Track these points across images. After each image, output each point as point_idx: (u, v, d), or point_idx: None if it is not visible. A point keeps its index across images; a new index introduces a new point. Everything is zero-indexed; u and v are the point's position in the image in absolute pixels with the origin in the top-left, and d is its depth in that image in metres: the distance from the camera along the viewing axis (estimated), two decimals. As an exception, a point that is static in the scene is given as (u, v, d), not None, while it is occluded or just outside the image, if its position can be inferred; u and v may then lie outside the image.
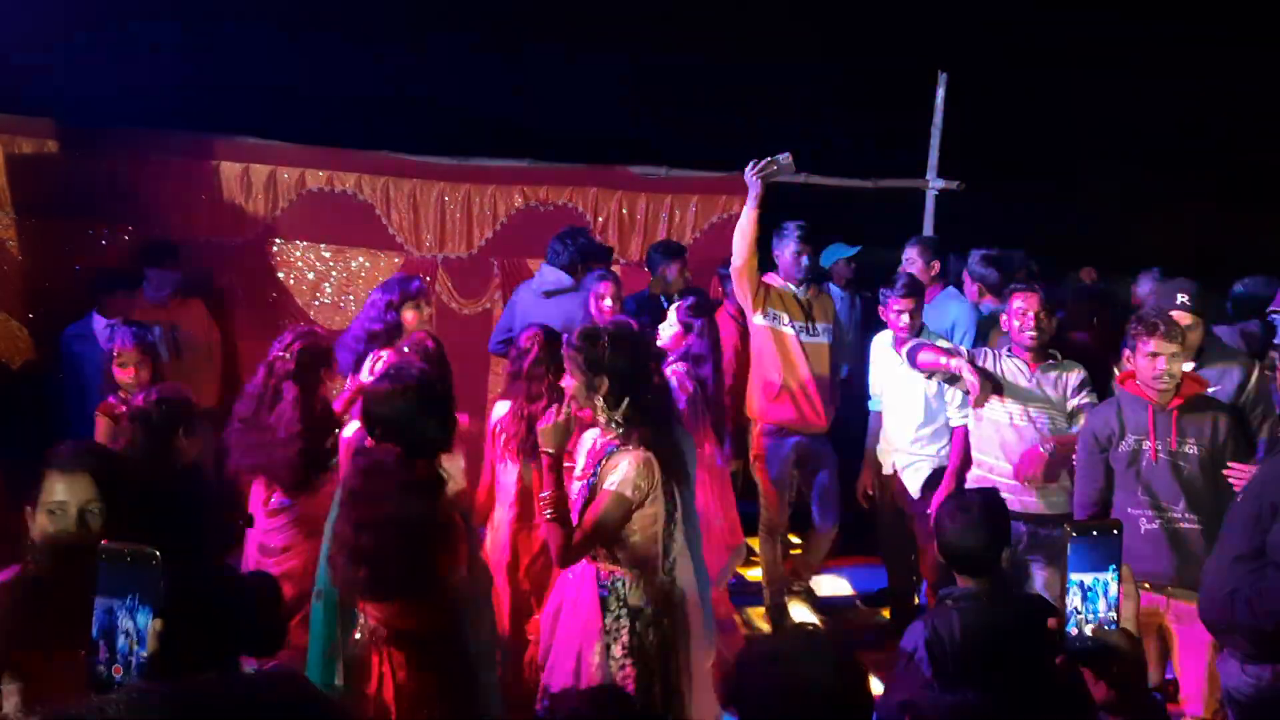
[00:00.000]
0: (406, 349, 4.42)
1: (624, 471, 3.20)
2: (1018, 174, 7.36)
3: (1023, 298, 4.64)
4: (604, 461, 3.27)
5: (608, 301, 5.37)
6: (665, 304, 5.91)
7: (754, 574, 6.05)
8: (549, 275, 5.78)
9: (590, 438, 3.45)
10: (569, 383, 3.34)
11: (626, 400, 3.27)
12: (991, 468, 4.71)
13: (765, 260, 5.59)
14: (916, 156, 7.15)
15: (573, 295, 5.68)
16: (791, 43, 7.76)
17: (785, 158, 5.08)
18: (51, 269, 6.44)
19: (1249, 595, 3.35)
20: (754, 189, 5.17)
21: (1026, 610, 3.09)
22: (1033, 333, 4.61)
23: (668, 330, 4.96)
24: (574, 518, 3.25)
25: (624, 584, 3.25)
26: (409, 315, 4.76)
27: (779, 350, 5.46)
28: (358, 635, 3.06)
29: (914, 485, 5.27)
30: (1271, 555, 3.29)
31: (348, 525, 2.96)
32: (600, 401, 3.28)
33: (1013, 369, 4.68)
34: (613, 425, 3.30)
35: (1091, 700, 2.93)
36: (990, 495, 3.20)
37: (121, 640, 1.68)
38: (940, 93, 7.02)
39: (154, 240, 6.16)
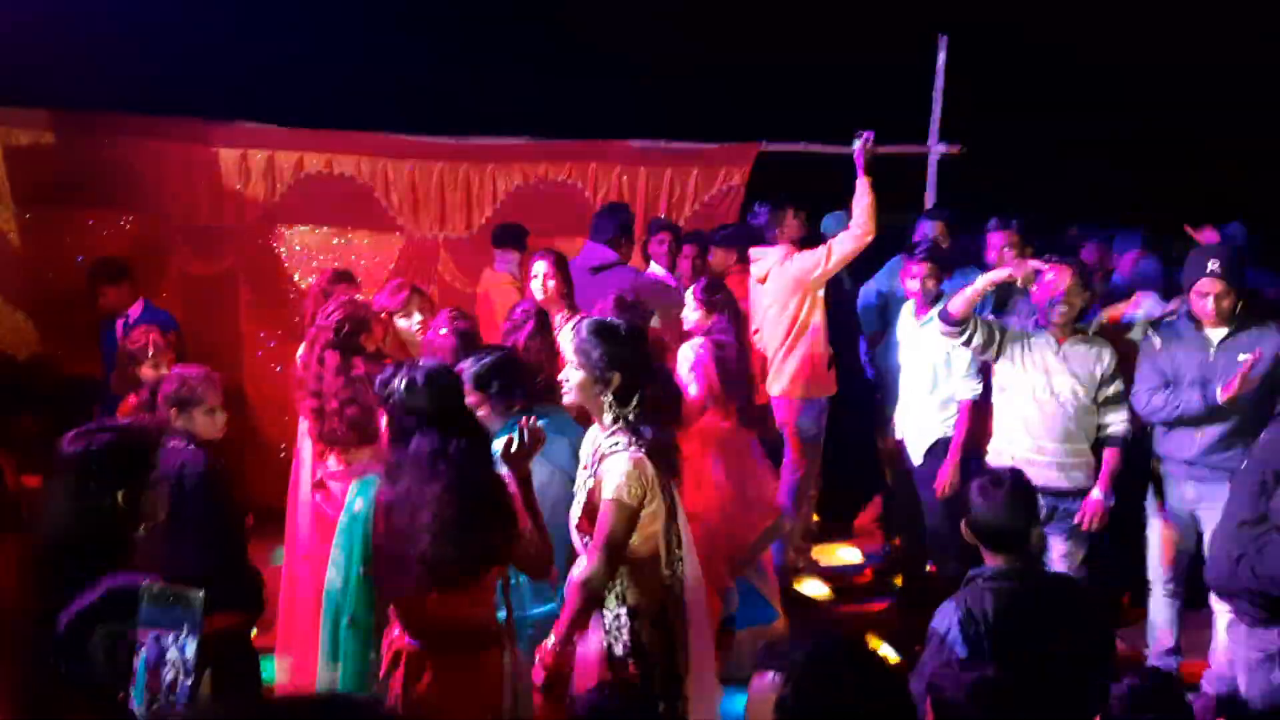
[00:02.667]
0: (444, 330, 4.38)
1: (618, 477, 3.09)
2: (1020, 136, 7.32)
3: (1055, 270, 4.58)
4: (599, 466, 3.17)
5: (538, 281, 5.18)
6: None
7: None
8: (594, 252, 5.78)
9: (593, 436, 3.35)
10: (571, 375, 3.22)
11: (637, 396, 3.19)
12: (1011, 440, 4.70)
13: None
14: (918, 121, 7.10)
15: (620, 269, 5.73)
16: (789, 9, 7.70)
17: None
18: (53, 260, 6.45)
19: (1252, 560, 3.39)
20: (864, 161, 5.43)
21: (1057, 588, 3.10)
22: (1062, 309, 4.57)
23: (692, 315, 4.95)
24: (576, 518, 3.23)
25: (622, 583, 3.19)
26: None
27: (827, 322, 5.64)
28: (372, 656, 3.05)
29: (916, 452, 5.29)
30: (1274, 519, 3.33)
31: (451, 510, 2.89)
32: (609, 398, 3.18)
33: (1039, 342, 4.64)
34: (620, 423, 3.19)
35: (1116, 671, 2.97)
36: (1019, 474, 3.18)
37: (169, 672, 1.74)
38: (941, 56, 6.96)
39: (511, 224, 6.38)
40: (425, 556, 2.89)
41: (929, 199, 7.11)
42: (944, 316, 4.63)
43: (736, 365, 4.79)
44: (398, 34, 7.35)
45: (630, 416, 3.18)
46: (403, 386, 3.00)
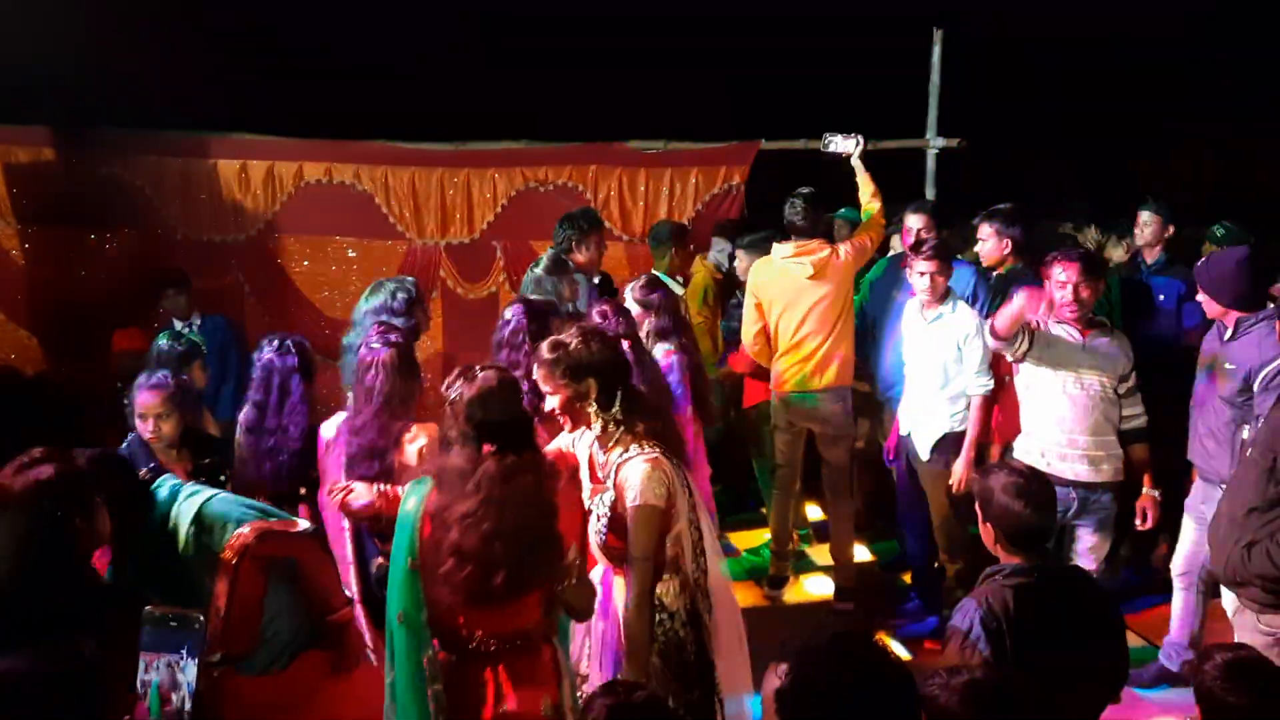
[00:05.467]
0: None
1: (639, 481, 3.07)
2: (1019, 129, 7.30)
3: (1063, 267, 4.51)
4: (617, 477, 3.14)
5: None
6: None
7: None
8: (545, 257, 5.87)
9: (586, 448, 3.32)
10: (551, 402, 3.17)
11: (619, 395, 3.15)
12: (1042, 436, 4.65)
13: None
14: (916, 116, 7.08)
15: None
16: (784, 6, 7.69)
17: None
18: (55, 276, 6.46)
19: (1268, 545, 3.37)
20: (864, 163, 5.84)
21: (1073, 584, 3.08)
22: (1073, 306, 4.51)
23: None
24: (601, 535, 3.19)
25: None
26: (420, 317, 4.78)
27: None
28: (430, 654, 2.97)
29: (923, 447, 5.27)
30: None
31: (474, 536, 2.81)
32: (593, 407, 3.15)
33: (1062, 335, 4.58)
34: (610, 428, 3.16)
35: (1127, 666, 2.96)
36: (1040, 473, 3.13)
37: (177, 696, 1.76)
38: (936, 50, 6.95)
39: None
40: (451, 577, 2.84)
41: (929, 193, 7.10)
42: (994, 334, 4.58)
43: (690, 359, 4.82)
44: (395, 40, 7.35)
45: (616, 418, 3.15)
46: (455, 396, 2.93)
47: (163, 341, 4.63)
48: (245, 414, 4.15)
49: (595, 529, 3.21)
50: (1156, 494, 4.60)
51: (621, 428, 3.15)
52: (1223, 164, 7.88)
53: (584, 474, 3.33)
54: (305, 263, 6.95)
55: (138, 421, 3.99)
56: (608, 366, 3.17)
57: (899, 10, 7.26)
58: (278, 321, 6.86)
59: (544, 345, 3.21)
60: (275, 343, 4.21)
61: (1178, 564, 4.72)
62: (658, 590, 3.16)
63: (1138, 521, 4.63)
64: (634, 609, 3.08)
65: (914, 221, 5.85)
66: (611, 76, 7.23)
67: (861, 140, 5.87)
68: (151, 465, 3.88)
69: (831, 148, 5.92)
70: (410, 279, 4.88)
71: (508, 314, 4.33)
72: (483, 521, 2.83)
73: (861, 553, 6.37)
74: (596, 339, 3.21)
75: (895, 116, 7.00)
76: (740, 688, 3.36)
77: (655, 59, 7.45)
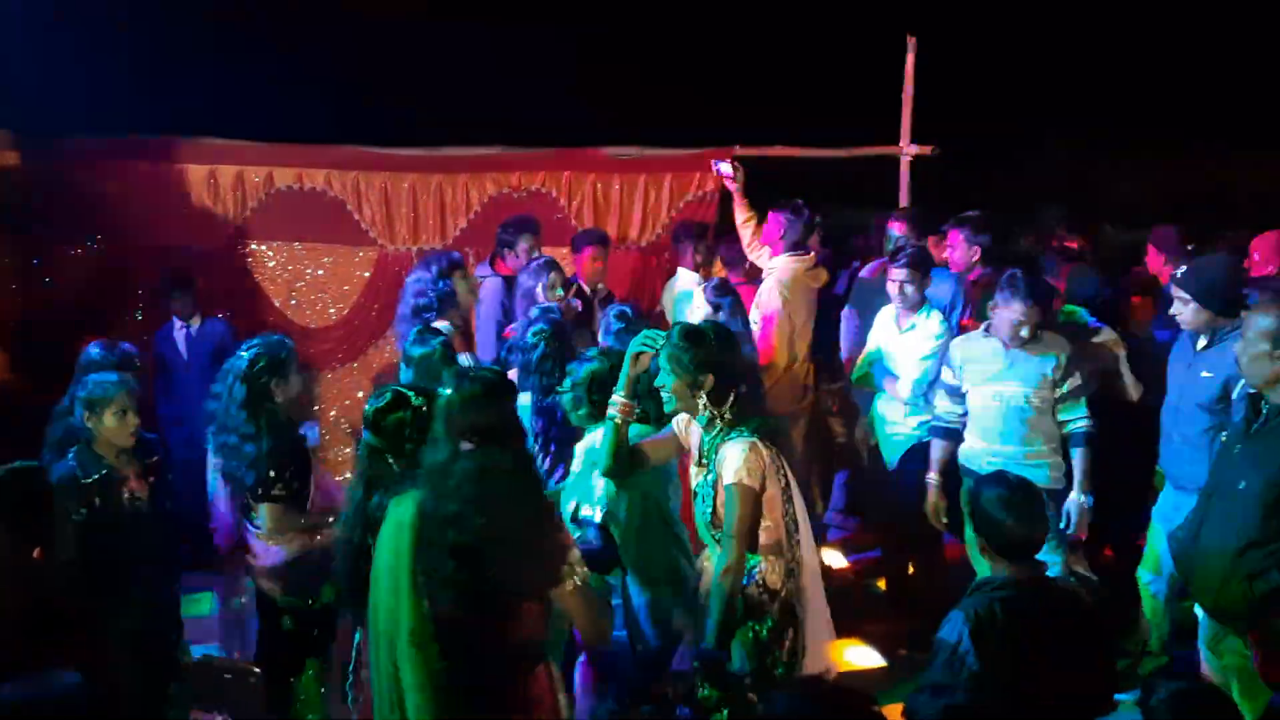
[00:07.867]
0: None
1: (735, 462, 3.24)
2: (992, 135, 7.34)
3: (1005, 297, 4.52)
4: (714, 456, 3.32)
5: (551, 290, 5.32)
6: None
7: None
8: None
9: (697, 433, 3.48)
10: (667, 382, 3.36)
11: (732, 396, 3.32)
12: (972, 445, 4.74)
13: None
14: (889, 122, 7.10)
15: (488, 280, 5.91)
16: (759, 13, 7.69)
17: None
18: (20, 284, 6.35)
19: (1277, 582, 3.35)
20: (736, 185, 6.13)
21: (1063, 594, 3.09)
22: (1009, 334, 4.53)
23: (698, 314, 4.96)
24: (706, 515, 3.34)
25: (761, 569, 3.29)
26: (460, 286, 5.10)
27: None
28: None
29: (891, 456, 5.29)
30: None
31: (468, 535, 2.80)
32: (704, 399, 3.32)
33: (989, 349, 4.63)
34: (718, 423, 3.34)
35: (1114, 682, 2.97)
36: (1029, 484, 3.13)
37: None
38: (910, 58, 6.97)
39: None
40: (449, 580, 2.82)
41: (902, 200, 7.12)
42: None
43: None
44: (364, 47, 7.30)
45: (727, 415, 3.33)
46: (448, 395, 2.96)
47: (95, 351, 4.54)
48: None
49: (702, 510, 3.39)
50: (1083, 500, 4.55)
51: (726, 425, 3.33)
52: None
53: (693, 458, 3.50)
54: (275, 269, 6.86)
55: (111, 418, 3.85)
56: (729, 369, 3.37)
57: (873, 17, 7.29)
58: (246, 328, 6.76)
59: (681, 330, 3.41)
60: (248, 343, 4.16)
61: (1146, 571, 4.75)
62: (764, 570, 3.28)
63: (1061, 524, 4.57)
64: (721, 582, 3.22)
65: (895, 230, 5.86)
66: (586, 82, 7.21)
67: (738, 165, 6.12)
68: (103, 472, 3.84)
69: (719, 169, 6.24)
70: (455, 253, 5.44)
71: (530, 337, 4.34)
72: (471, 520, 2.81)
73: (836, 558, 6.38)
74: (728, 341, 3.42)
75: (869, 123, 7.02)
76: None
77: (630, 64, 7.44)
